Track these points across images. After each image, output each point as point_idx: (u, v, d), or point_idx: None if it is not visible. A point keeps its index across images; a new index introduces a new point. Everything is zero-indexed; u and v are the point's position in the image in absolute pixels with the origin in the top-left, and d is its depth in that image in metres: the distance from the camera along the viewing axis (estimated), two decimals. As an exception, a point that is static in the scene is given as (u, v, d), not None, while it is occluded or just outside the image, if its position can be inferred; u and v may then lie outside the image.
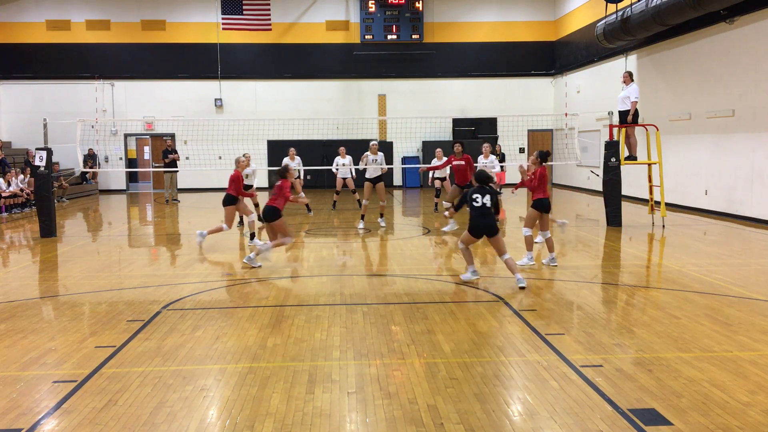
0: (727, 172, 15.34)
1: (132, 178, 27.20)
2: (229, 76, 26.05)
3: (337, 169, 17.04)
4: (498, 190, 21.59)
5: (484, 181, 8.51)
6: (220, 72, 25.91)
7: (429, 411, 4.55)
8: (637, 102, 13.67)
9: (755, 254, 10.91)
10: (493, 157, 16.33)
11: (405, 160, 25.91)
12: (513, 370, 5.35)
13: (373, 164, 13.89)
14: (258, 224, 13.05)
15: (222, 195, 11.86)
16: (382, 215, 14.39)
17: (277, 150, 25.04)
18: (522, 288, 8.16)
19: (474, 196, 8.40)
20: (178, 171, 21.46)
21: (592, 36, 20.76)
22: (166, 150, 21.27)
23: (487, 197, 8.38)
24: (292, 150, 17.20)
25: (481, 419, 4.42)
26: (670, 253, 11.20)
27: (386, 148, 25.24)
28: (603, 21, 18.84)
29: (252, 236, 11.90)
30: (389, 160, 24.55)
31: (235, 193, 11.33)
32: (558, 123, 26.06)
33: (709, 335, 6.23)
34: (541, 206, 9.63)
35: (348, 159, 16.89)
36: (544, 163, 9.75)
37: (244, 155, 11.98)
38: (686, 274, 9.07)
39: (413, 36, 26.14)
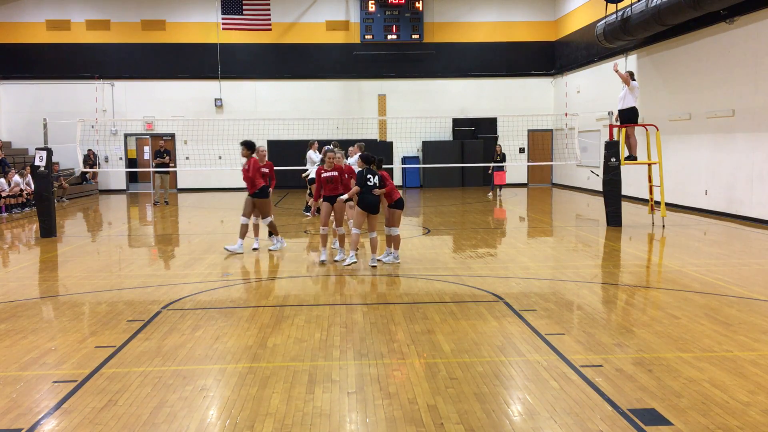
0: (727, 172, 15.34)
1: (132, 178, 27.19)
2: (229, 76, 26.05)
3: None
4: (498, 191, 21.63)
5: (371, 163, 9.77)
6: (220, 72, 25.90)
7: (429, 411, 4.55)
8: (636, 98, 13.68)
9: (755, 254, 10.91)
10: None
11: (405, 160, 25.93)
12: (513, 370, 5.35)
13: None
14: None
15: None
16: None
17: (277, 150, 25.05)
18: (373, 266, 9.67)
19: (368, 176, 9.65)
20: (169, 173, 20.94)
21: (592, 36, 20.77)
22: (158, 151, 20.70)
23: (377, 177, 9.67)
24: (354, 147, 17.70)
25: (481, 419, 4.42)
26: (670, 253, 11.20)
27: (386, 148, 25.26)
28: (603, 21, 18.84)
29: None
30: (389, 160, 24.57)
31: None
32: (558, 123, 26.06)
33: (709, 335, 6.23)
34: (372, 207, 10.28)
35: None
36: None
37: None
38: (686, 274, 9.07)
39: (413, 36, 26.14)
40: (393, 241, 10.16)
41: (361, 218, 9.79)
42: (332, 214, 10.44)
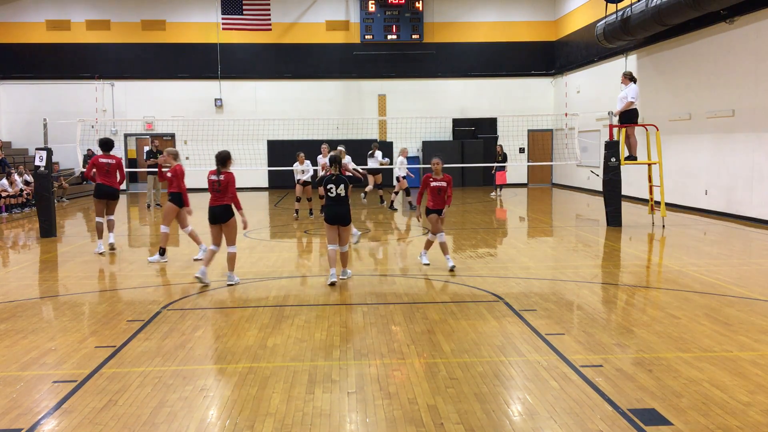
0: (727, 172, 15.34)
1: (132, 178, 27.14)
2: (229, 76, 26.05)
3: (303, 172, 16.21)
4: (499, 191, 21.63)
5: (336, 165, 8.57)
6: (220, 72, 25.90)
7: (429, 411, 4.55)
8: (632, 102, 13.66)
9: (755, 254, 10.91)
10: None
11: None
12: (513, 370, 5.35)
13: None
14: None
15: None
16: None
17: (277, 150, 25.07)
18: (331, 284, 8.45)
19: (329, 186, 8.55)
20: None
21: (592, 36, 20.76)
22: (150, 151, 20.12)
23: (341, 187, 8.53)
24: (375, 144, 17.79)
25: (481, 419, 4.42)
26: (670, 253, 11.20)
27: (387, 148, 25.24)
28: (603, 21, 18.84)
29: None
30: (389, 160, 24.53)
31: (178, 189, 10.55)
32: (558, 123, 26.06)
33: (709, 335, 6.23)
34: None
35: (307, 164, 16.08)
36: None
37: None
38: (686, 274, 9.07)
39: (413, 36, 26.14)
40: (442, 248, 9.47)
41: (332, 233, 8.63)
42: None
